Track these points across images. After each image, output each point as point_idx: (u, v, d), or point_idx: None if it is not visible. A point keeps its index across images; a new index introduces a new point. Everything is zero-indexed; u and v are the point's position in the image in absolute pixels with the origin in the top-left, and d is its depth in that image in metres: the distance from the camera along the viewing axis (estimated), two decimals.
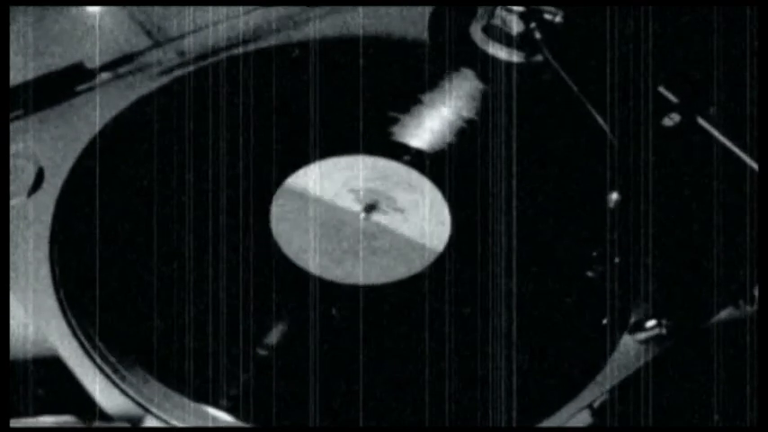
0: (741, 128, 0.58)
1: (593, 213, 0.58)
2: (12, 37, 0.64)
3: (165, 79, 0.65)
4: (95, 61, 0.65)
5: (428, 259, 0.57)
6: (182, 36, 0.67)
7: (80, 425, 0.49)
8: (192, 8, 0.68)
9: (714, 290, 0.55)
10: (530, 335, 0.54)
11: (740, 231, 0.55)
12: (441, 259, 0.58)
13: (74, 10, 0.67)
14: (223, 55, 0.67)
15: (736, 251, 0.55)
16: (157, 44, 0.67)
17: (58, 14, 0.67)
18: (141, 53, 0.66)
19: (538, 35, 0.62)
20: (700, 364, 0.52)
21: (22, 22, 0.66)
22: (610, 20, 0.61)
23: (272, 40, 0.69)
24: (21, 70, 0.63)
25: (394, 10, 0.69)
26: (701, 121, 0.60)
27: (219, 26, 0.68)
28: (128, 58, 0.66)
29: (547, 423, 0.52)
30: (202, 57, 0.67)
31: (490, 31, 0.63)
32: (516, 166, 0.60)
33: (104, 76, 0.65)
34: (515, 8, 0.63)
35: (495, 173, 0.60)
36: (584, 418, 0.52)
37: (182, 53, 0.67)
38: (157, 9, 0.69)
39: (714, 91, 0.60)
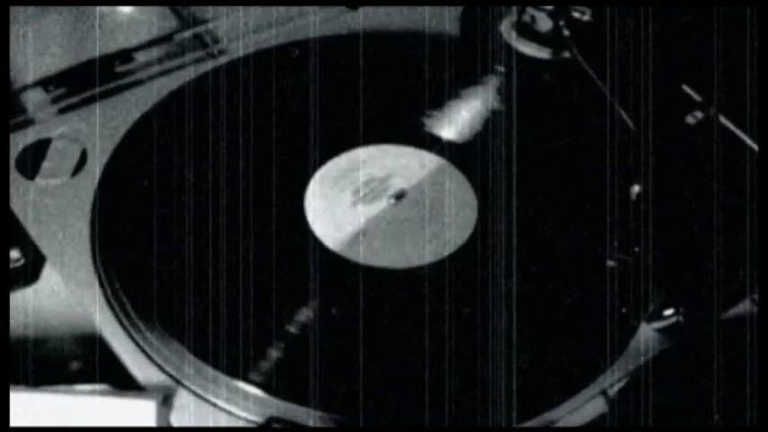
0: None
1: (613, 205, 0.59)
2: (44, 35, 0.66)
3: (205, 67, 0.67)
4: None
5: (448, 250, 0.59)
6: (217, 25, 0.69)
7: (114, 392, 0.50)
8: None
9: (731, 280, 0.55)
10: (548, 323, 0.56)
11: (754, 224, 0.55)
12: (464, 249, 0.59)
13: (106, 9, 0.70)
14: (265, 44, 0.68)
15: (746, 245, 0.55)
16: (196, 37, 0.68)
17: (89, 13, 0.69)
18: (180, 41, 0.68)
19: (566, 33, 0.63)
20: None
21: (57, 20, 0.68)
22: (635, 18, 0.62)
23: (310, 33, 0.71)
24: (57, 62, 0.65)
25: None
26: (724, 120, 0.61)
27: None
28: (163, 39, 0.67)
29: (561, 409, 0.53)
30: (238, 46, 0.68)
31: (520, 28, 0.64)
32: (538, 161, 0.62)
33: (143, 60, 0.67)
34: (545, 6, 0.64)
35: (519, 167, 0.61)
36: (599, 405, 0.53)
37: (217, 41, 0.68)
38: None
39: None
